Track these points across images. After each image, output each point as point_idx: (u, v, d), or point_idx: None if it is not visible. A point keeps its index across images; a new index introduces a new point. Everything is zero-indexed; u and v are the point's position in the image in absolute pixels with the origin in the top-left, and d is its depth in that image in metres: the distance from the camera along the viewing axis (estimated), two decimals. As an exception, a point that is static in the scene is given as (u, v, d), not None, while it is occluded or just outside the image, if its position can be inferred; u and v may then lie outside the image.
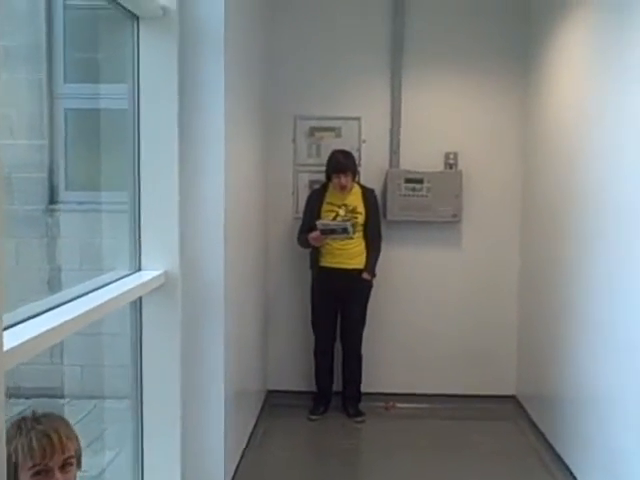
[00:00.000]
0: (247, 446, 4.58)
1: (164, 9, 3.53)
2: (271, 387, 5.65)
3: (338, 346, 5.45)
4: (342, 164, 5.19)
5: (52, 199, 5.91)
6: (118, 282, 3.34)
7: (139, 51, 3.58)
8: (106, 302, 2.98)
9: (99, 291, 3.12)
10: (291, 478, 4.36)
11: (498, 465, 4.51)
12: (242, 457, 4.39)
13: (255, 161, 5.09)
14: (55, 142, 5.91)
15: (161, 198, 3.57)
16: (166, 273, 3.57)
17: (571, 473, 4.19)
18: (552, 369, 4.64)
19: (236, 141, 4.13)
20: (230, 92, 3.84)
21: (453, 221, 5.58)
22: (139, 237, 3.60)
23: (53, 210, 5.91)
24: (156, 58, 3.57)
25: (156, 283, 3.52)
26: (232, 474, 4.07)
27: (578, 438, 4.14)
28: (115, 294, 3.12)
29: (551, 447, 4.60)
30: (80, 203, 5.86)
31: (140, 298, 3.54)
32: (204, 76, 3.67)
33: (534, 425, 5.04)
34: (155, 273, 3.53)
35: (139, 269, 3.59)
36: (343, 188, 5.20)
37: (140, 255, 3.60)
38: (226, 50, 3.72)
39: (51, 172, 5.92)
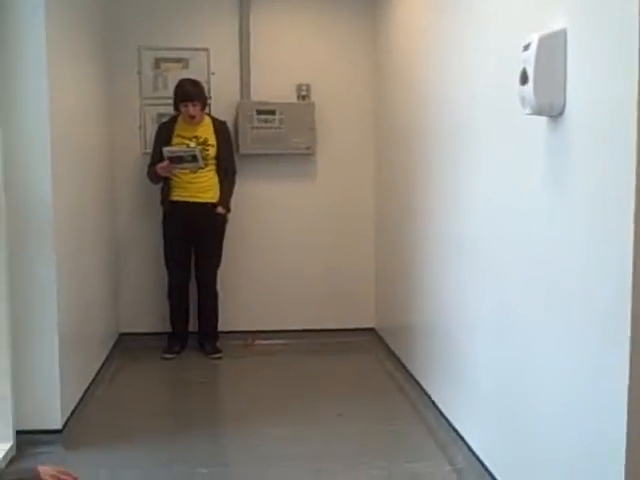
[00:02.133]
0: (92, 384, 4.36)
1: None
2: (124, 330, 5.41)
3: (193, 284, 5.27)
4: (190, 92, 4.99)
5: None
6: None
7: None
8: None
9: None
10: (139, 412, 4.16)
11: (356, 391, 4.48)
12: (85, 394, 4.17)
13: (95, 91, 4.81)
14: None
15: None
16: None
17: (423, 390, 4.21)
18: (405, 300, 4.65)
19: (63, 67, 3.87)
20: (56, 16, 3.61)
21: (307, 153, 5.49)
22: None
23: None
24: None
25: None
26: (72, 410, 3.85)
27: (430, 359, 4.16)
28: None
29: (406, 370, 4.62)
30: None
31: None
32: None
33: (392, 353, 5.06)
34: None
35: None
36: (192, 118, 5.00)
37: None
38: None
39: None
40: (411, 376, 4.50)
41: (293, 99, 5.48)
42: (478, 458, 3.29)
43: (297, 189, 5.59)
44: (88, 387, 4.27)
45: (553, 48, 2.40)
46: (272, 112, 5.39)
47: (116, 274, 5.37)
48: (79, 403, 4.01)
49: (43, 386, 3.55)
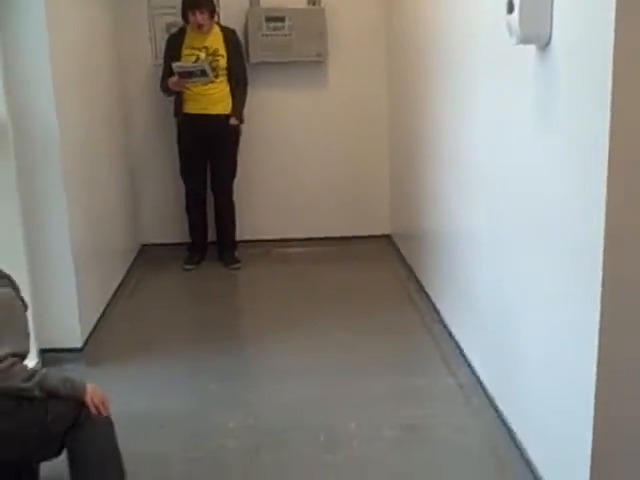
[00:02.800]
0: (114, 296, 4.56)
1: None
2: (144, 241, 5.57)
3: (210, 195, 5.36)
4: (196, 0, 4.91)
5: None
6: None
7: None
8: None
9: None
10: (158, 325, 4.34)
11: (368, 301, 4.58)
12: (107, 308, 4.36)
13: (101, 5, 4.76)
14: None
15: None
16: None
17: (432, 302, 4.32)
18: (419, 208, 4.67)
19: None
20: None
21: (318, 60, 5.42)
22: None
23: None
24: None
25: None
26: (93, 325, 4.05)
27: (437, 271, 4.24)
28: None
29: (417, 280, 4.72)
30: None
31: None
32: None
33: (404, 261, 5.15)
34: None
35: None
36: (200, 27, 4.94)
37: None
38: None
39: None
40: (421, 286, 4.60)
41: (303, 4, 5.36)
42: (476, 375, 3.42)
43: (309, 97, 5.54)
44: (110, 301, 4.46)
45: (539, -25, 2.34)
46: (281, 19, 5.30)
47: (135, 187, 5.47)
48: (100, 318, 4.21)
49: (61, 306, 3.72)
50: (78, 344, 3.78)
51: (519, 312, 2.83)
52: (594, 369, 2.15)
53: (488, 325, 3.25)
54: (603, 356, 2.12)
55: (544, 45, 2.41)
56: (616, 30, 1.95)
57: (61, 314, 3.73)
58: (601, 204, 2.05)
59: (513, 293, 2.90)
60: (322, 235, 5.65)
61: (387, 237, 5.68)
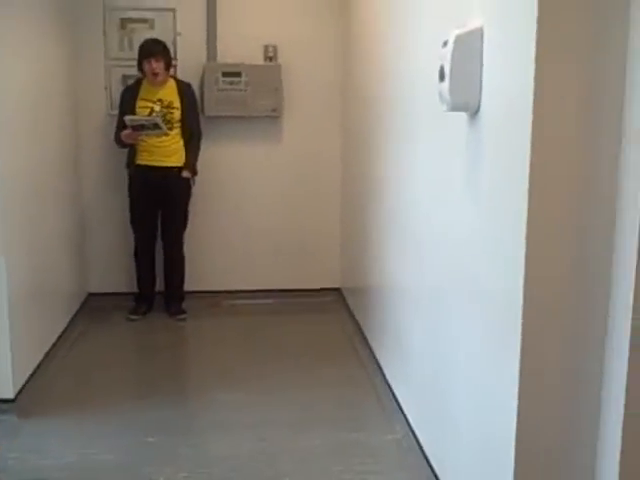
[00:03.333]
0: (54, 346, 4.50)
1: None
2: (91, 289, 5.52)
3: (160, 245, 5.35)
4: (151, 49, 5.00)
5: None
6: None
7: None
8: None
9: None
10: (97, 378, 4.28)
11: (313, 354, 4.60)
12: (46, 356, 4.31)
13: (55, 55, 4.80)
14: None
15: None
16: None
17: (374, 356, 4.34)
18: (365, 262, 4.73)
19: (12, 27, 3.85)
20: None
21: (273, 116, 5.50)
22: None
23: None
24: None
25: None
26: (28, 376, 3.98)
27: (380, 325, 4.28)
28: None
29: (363, 334, 4.74)
30: None
31: None
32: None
33: (352, 315, 5.18)
34: None
35: None
36: (155, 75, 4.99)
37: None
38: None
39: None
40: (366, 340, 4.62)
41: (260, 60, 5.46)
42: (413, 431, 3.42)
43: (264, 151, 5.61)
44: (49, 351, 4.39)
45: (469, 46, 2.43)
46: (238, 74, 5.39)
47: (84, 236, 5.44)
48: (37, 368, 4.14)
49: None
50: (10, 395, 3.71)
51: (450, 369, 2.85)
52: (513, 430, 2.18)
53: (423, 382, 3.28)
54: (522, 415, 2.16)
55: (473, 113, 2.49)
56: (534, 102, 2.03)
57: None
58: (519, 273, 2.11)
59: (445, 350, 2.93)
60: (273, 287, 5.66)
61: (337, 290, 5.71)
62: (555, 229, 2.10)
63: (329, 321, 5.27)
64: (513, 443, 2.19)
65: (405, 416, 3.58)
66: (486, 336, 2.43)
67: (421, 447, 3.28)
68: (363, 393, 4.04)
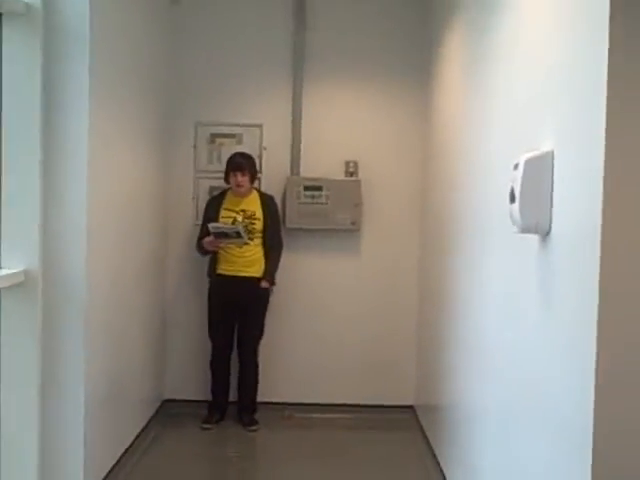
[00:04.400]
0: (127, 451, 4.50)
1: (27, 6, 3.52)
2: (168, 396, 5.57)
3: (236, 354, 5.39)
4: (239, 162, 5.20)
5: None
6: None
7: (1, 48, 3.56)
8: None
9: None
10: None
11: (382, 475, 4.49)
12: (119, 461, 4.31)
13: (149, 166, 5.05)
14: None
15: (21, 197, 3.56)
16: (25, 271, 3.54)
17: (444, 477, 4.18)
18: (439, 381, 4.62)
19: (110, 144, 4.09)
20: (100, 94, 3.82)
21: (352, 229, 5.58)
22: (-1, 235, 3.57)
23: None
24: (19, 56, 3.56)
25: (14, 280, 3.49)
26: (103, 476, 4.00)
27: (452, 448, 4.13)
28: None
29: (435, 457, 4.58)
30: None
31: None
32: (68, 76, 3.64)
33: (424, 434, 5.03)
34: (14, 270, 3.52)
35: (-1, 266, 3.56)
36: (239, 187, 5.17)
37: (-1, 252, 3.57)
38: (92, 50, 3.68)
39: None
40: (436, 460, 4.46)
41: (341, 175, 5.60)
42: None
43: (341, 263, 5.67)
44: (121, 456, 4.40)
45: (539, 169, 2.43)
46: (319, 188, 5.53)
47: (163, 342, 5.55)
48: (110, 472, 4.14)
49: (67, 457, 3.66)
50: (82, 501, 3.72)
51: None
52: None
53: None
54: None
55: (544, 235, 2.46)
56: (602, 229, 2.00)
57: (66, 466, 3.68)
58: (590, 388, 2.03)
59: (518, 470, 2.79)
60: (346, 402, 5.57)
61: (410, 407, 5.57)
62: (626, 351, 2.03)
63: (401, 439, 5.15)
64: None
65: None
66: (555, 468, 2.31)
67: None
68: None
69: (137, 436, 4.78)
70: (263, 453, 5.09)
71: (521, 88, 2.91)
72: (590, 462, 2.03)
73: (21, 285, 3.53)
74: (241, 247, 5.16)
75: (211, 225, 5.09)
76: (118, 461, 4.33)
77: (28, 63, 3.55)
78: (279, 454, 4.89)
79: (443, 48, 4.90)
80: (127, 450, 4.53)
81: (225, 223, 5.19)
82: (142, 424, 4.97)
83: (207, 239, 5.14)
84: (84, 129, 3.66)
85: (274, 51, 5.62)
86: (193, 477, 4.49)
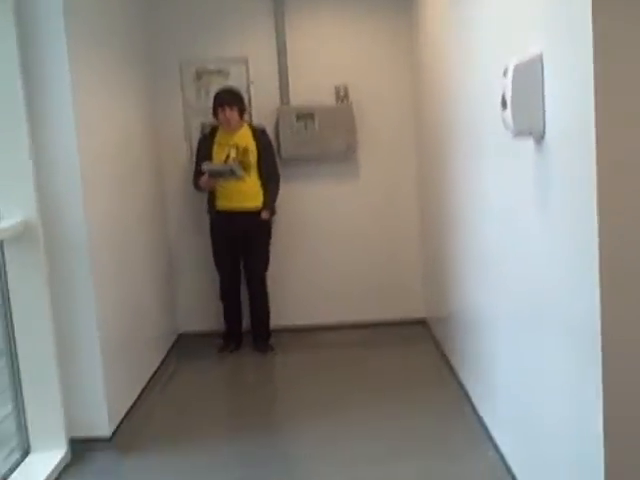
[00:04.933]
0: (148, 385, 4.67)
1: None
2: (181, 330, 5.72)
3: (245, 284, 5.51)
4: (226, 98, 5.20)
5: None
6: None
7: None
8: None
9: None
10: (193, 411, 4.42)
11: (399, 385, 4.63)
12: (140, 395, 4.48)
13: (137, 108, 5.06)
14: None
15: (12, 151, 3.59)
16: (25, 222, 3.61)
17: (462, 385, 4.35)
18: (447, 291, 4.76)
19: (95, 90, 4.11)
20: (78, 38, 3.81)
21: (348, 154, 5.63)
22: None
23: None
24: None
25: (14, 231, 3.57)
26: (123, 415, 4.15)
27: (465, 353, 4.29)
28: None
29: (449, 363, 4.75)
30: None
31: (2, 250, 3.62)
32: (43, 23, 3.62)
33: (438, 345, 5.19)
34: (12, 221, 3.59)
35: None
36: (228, 122, 5.20)
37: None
38: (66, 4, 3.65)
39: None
40: (452, 369, 4.63)
41: (332, 101, 5.61)
42: (505, 461, 3.40)
43: (340, 188, 5.74)
44: (143, 390, 4.57)
45: (529, 74, 2.48)
46: (311, 116, 5.55)
47: (172, 278, 5.66)
48: (132, 407, 4.31)
49: (89, 395, 3.84)
50: (107, 433, 3.88)
51: (536, 396, 2.85)
52: (602, 455, 2.18)
53: (510, 409, 3.28)
54: (609, 439, 2.16)
55: (539, 138, 2.53)
56: (596, 128, 2.07)
57: (89, 403, 3.85)
58: (594, 287, 2.13)
59: (530, 377, 2.93)
60: (357, 320, 5.73)
61: (422, 321, 5.73)
62: (628, 248, 2.12)
63: (415, 352, 5.30)
64: (602, 467, 2.19)
65: (495, 445, 3.56)
66: (567, 361, 2.44)
67: (513, 476, 3.25)
68: (452, 423, 4.03)
69: (156, 370, 4.95)
70: (281, 376, 5.24)
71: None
72: (600, 361, 2.13)
73: (22, 236, 3.61)
74: (237, 182, 5.20)
75: (204, 165, 5.13)
76: (140, 395, 4.50)
77: (2, 12, 3.52)
78: (296, 376, 5.02)
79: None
80: (148, 384, 4.70)
81: (219, 159, 5.23)
82: (160, 358, 5.13)
83: (203, 179, 5.19)
84: (65, 75, 3.67)
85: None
86: (214, 405, 4.64)
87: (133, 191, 4.79)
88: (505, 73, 2.54)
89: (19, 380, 3.71)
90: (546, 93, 2.46)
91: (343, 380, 4.82)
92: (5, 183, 3.60)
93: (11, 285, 3.63)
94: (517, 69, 2.48)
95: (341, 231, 5.77)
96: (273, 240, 5.48)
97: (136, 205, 4.84)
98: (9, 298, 3.64)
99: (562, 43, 2.32)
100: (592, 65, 2.06)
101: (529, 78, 2.47)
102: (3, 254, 3.63)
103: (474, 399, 4.07)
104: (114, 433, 3.96)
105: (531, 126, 2.50)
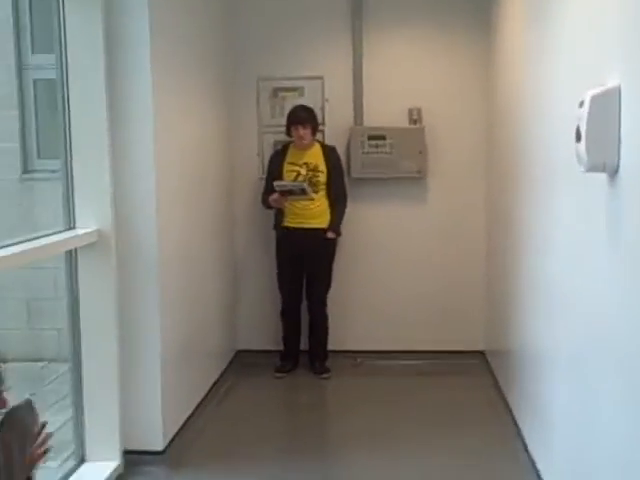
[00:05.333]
0: (204, 400, 4.67)
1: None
2: (240, 347, 5.71)
3: (305, 304, 5.48)
4: (300, 116, 5.21)
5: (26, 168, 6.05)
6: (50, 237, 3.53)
7: (64, 18, 3.63)
8: (32, 250, 3.28)
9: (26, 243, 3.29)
10: (247, 429, 4.40)
11: (453, 419, 4.52)
12: (196, 410, 4.48)
13: (213, 122, 5.12)
14: (26, 113, 6.02)
15: (93, 160, 3.68)
16: (99, 231, 3.67)
17: (517, 425, 4.20)
18: (509, 325, 4.61)
19: (174, 103, 4.17)
20: (161, 52, 3.89)
21: (418, 177, 5.56)
22: (72, 197, 3.70)
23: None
24: (81, 23, 3.62)
25: (89, 239, 3.63)
26: (177, 429, 4.15)
27: (522, 392, 4.15)
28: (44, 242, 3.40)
29: (505, 401, 4.60)
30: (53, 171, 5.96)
31: (76, 257, 3.67)
32: (129, 34, 3.73)
33: (495, 379, 5.04)
34: (88, 229, 3.66)
35: (73, 227, 3.70)
36: (301, 139, 5.19)
37: (74, 214, 3.70)
38: (152, 7, 3.75)
39: (23, 141, 6.02)
40: (507, 405, 4.49)
41: (405, 123, 5.56)
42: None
43: (408, 212, 5.67)
44: (198, 405, 4.57)
45: (606, 106, 2.38)
46: (383, 137, 5.51)
47: (235, 294, 5.67)
48: (187, 421, 4.31)
49: (146, 407, 3.86)
50: (160, 447, 3.89)
51: (594, 441, 2.71)
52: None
53: (565, 452, 3.13)
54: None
55: (612, 173, 2.42)
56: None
57: (145, 416, 3.87)
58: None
59: (588, 419, 2.79)
60: (416, 349, 5.61)
61: (481, 353, 5.58)
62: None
63: (472, 385, 5.16)
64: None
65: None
66: (629, 406, 2.31)
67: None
68: (502, 466, 3.89)
69: (212, 386, 4.95)
70: (335, 400, 5.19)
71: (586, 22, 2.84)
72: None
73: (96, 244, 3.67)
74: (305, 200, 5.19)
75: (276, 183, 5.14)
76: (195, 410, 4.50)
77: (90, 29, 3.62)
78: (350, 400, 4.98)
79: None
80: (204, 399, 4.70)
81: (289, 177, 5.23)
82: (217, 374, 5.13)
83: (273, 197, 5.19)
84: (148, 88, 3.76)
85: (332, 1, 5.58)
86: (267, 424, 4.61)
87: (203, 205, 4.84)
88: (581, 104, 2.44)
89: (81, 388, 3.76)
90: (622, 128, 2.35)
91: (395, 410, 4.74)
92: (82, 191, 3.68)
93: (82, 293, 3.70)
94: (594, 100, 2.38)
95: (405, 256, 5.68)
96: (336, 261, 5.44)
97: (205, 219, 4.88)
98: (79, 306, 3.70)
99: (641, 76, 2.22)
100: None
101: (606, 110, 2.37)
102: (77, 262, 3.70)
103: (528, 440, 3.93)
104: (167, 447, 3.97)
105: (605, 160, 2.39)
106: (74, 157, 3.69)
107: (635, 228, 2.27)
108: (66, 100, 3.67)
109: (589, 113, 2.38)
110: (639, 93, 2.25)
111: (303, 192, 5.10)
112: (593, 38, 2.72)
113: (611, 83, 2.40)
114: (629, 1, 2.31)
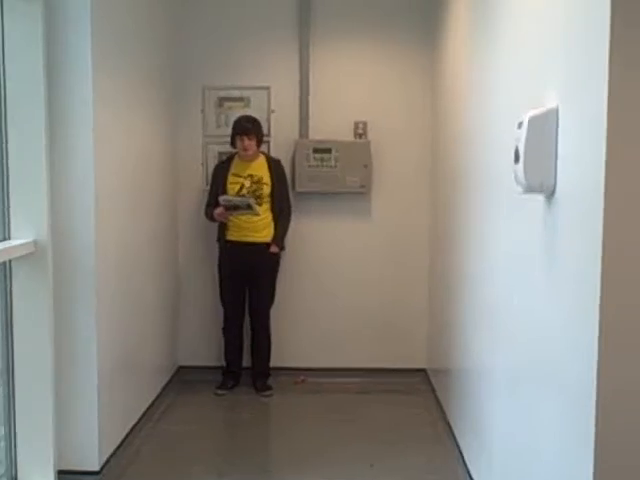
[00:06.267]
0: (142, 418, 4.53)
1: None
2: (182, 362, 5.58)
3: (248, 320, 5.39)
4: (245, 126, 5.13)
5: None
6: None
7: (3, 31, 3.52)
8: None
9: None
10: (184, 449, 4.28)
11: (396, 439, 4.49)
12: (133, 428, 4.34)
13: (157, 132, 5.00)
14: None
15: (28, 169, 3.55)
16: (35, 242, 3.55)
17: (457, 443, 4.17)
18: (449, 344, 4.58)
19: (116, 111, 4.06)
20: (103, 58, 3.78)
21: (362, 192, 5.52)
22: (8, 207, 3.58)
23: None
24: (20, 36, 3.51)
25: (24, 250, 3.51)
26: (114, 449, 4.01)
27: (462, 411, 4.12)
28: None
29: (446, 419, 4.57)
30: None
31: (10, 269, 3.55)
32: (69, 39, 3.63)
33: (436, 397, 5.02)
34: (23, 240, 3.53)
35: (8, 238, 3.56)
36: (245, 150, 5.12)
37: (9, 224, 3.58)
38: (94, 12, 3.64)
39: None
40: (448, 424, 4.46)
41: (350, 137, 5.52)
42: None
43: (351, 227, 5.61)
44: (136, 423, 4.42)
45: (544, 127, 2.35)
46: (328, 151, 5.46)
47: (176, 308, 5.54)
48: (124, 440, 4.17)
49: (82, 426, 3.72)
50: (95, 467, 3.75)
51: (531, 458, 2.69)
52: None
53: (504, 470, 3.10)
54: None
55: (549, 195, 2.40)
56: (606, 188, 1.94)
57: (80, 434, 3.73)
58: (592, 350, 1.99)
59: (525, 439, 2.77)
60: (358, 366, 5.56)
61: (423, 371, 5.55)
62: (629, 314, 1.98)
63: (413, 403, 5.13)
64: None
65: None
66: (568, 428, 2.28)
67: None
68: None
69: (152, 403, 4.81)
70: (277, 418, 5.11)
71: (525, 45, 2.83)
72: (593, 424, 1.99)
73: (32, 255, 3.54)
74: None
75: (222, 198, 5.06)
76: (133, 427, 4.36)
77: (30, 28, 3.49)
78: (292, 418, 4.92)
79: (449, 6, 4.79)
80: (142, 417, 4.56)
81: (233, 189, 5.15)
82: (157, 391, 5.00)
83: (217, 210, 5.10)
84: (88, 96, 3.66)
85: (280, 12, 5.52)
86: (206, 443, 4.50)
87: (145, 215, 4.71)
88: (520, 126, 2.41)
89: (13, 404, 3.60)
90: (559, 149, 2.33)
91: (336, 428, 4.68)
92: (18, 200, 3.55)
93: (15, 306, 3.56)
94: (532, 122, 2.35)
95: (348, 271, 5.63)
96: (280, 276, 5.36)
97: (147, 230, 4.76)
98: (12, 319, 3.56)
99: (577, 98, 2.20)
100: (605, 124, 1.93)
101: (544, 132, 2.34)
102: (11, 273, 3.56)
103: (467, 460, 3.90)
104: (103, 467, 3.82)
105: (542, 182, 2.36)
106: (10, 167, 3.55)
107: (570, 249, 2.25)
108: (3, 110, 3.54)
109: (527, 133, 2.36)
110: (576, 115, 2.23)
111: (249, 207, 5.03)
112: (533, 58, 2.71)
113: (549, 104, 2.39)
114: (568, 25, 2.30)
